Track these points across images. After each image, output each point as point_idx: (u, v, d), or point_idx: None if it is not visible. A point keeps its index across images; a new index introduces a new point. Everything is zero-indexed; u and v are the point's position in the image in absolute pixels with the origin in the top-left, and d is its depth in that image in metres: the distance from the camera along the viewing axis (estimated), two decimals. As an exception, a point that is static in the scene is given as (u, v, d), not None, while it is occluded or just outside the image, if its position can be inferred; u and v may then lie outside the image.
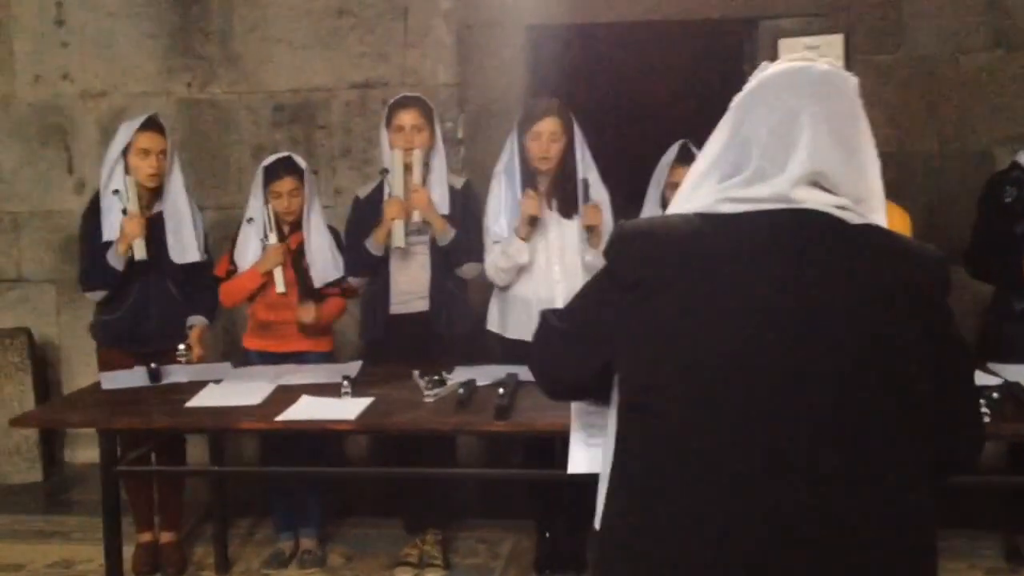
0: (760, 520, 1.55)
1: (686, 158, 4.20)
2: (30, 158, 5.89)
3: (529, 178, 4.22)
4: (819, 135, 1.66)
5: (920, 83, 5.42)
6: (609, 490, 1.74)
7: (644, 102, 6.72)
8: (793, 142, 1.66)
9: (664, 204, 4.23)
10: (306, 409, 3.56)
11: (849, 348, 1.58)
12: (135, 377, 4.03)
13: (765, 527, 1.55)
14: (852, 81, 1.75)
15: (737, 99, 1.79)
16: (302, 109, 5.70)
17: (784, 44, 5.45)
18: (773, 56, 5.40)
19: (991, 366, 3.91)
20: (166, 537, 4.54)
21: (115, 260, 4.24)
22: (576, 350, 1.81)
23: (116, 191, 4.28)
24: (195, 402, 3.68)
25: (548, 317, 1.89)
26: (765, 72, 1.77)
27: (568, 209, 4.25)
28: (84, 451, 5.67)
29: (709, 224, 1.67)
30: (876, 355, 1.59)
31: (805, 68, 1.73)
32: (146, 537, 4.52)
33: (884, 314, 1.60)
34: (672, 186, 4.20)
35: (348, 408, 3.52)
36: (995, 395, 3.29)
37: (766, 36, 5.46)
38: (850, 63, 5.37)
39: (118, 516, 3.70)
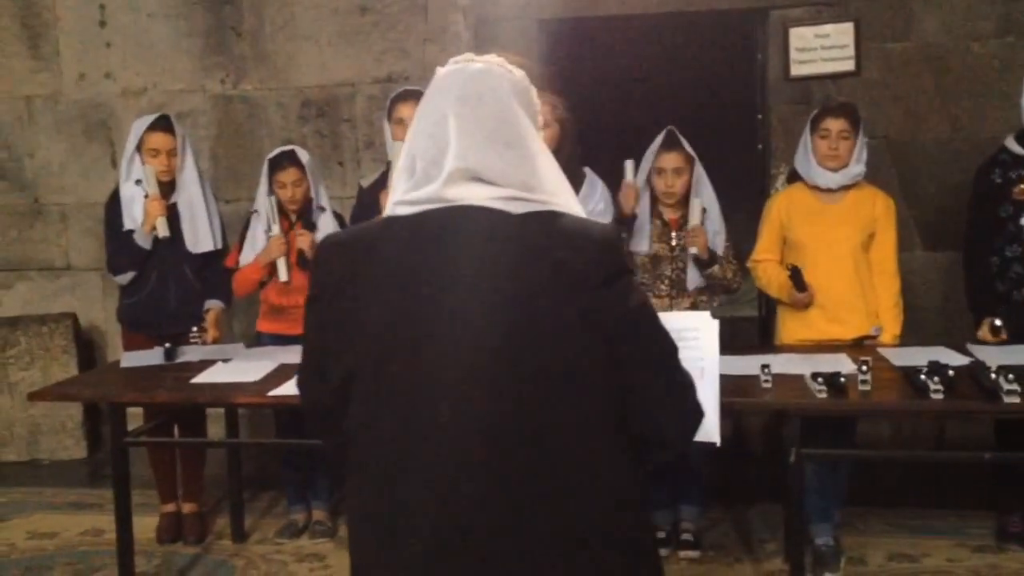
0: (434, 517, 1.66)
1: (671, 144, 4.32)
2: (76, 152, 6.21)
3: None
4: (467, 134, 1.74)
5: (930, 71, 5.48)
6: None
7: (656, 94, 6.84)
8: (445, 143, 1.74)
9: (651, 189, 4.37)
10: (299, 385, 3.77)
11: (499, 339, 1.66)
12: (151, 356, 4.29)
13: (440, 523, 1.66)
14: (510, 77, 1.82)
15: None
16: (328, 104, 5.94)
17: (794, 33, 5.54)
18: (784, 45, 5.55)
19: (970, 346, 4.01)
20: (188, 508, 4.81)
21: (142, 239, 4.52)
22: (311, 375, 1.86)
23: (138, 181, 4.56)
24: (199, 379, 3.93)
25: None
26: (433, 79, 1.86)
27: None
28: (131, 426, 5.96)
29: (387, 226, 1.78)
30: (529, 343, 1.66)
31: (457, 71, 1.82)
32: (169, 508, 4.80)
33: (536, 300, 1.66)
34: (658, 171, 4.32)
35: (338, 385, 3.73)
36: (951, 372, 3.39)
37: (776, 25, 5.56)
38: (860, 51, 5.47)
39: (128, 486, 3.96)
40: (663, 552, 4.36)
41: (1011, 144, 4.39)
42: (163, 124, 4.62)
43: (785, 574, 4.00)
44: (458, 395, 1.67)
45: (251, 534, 4.77)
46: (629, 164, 4.33)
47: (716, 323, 2.54)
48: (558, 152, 4.31)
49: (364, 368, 1.73)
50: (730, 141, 6.01)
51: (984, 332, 4.14)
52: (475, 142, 1.74)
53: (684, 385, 1.80)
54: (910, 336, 4.67)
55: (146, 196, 4.53)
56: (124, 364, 4.28)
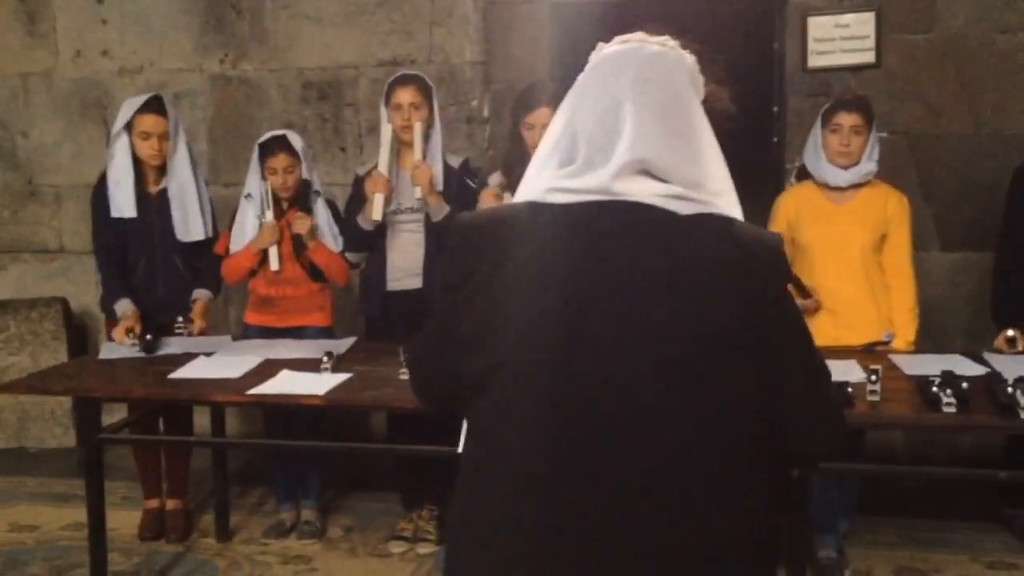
0: (562, 519, 1.53)
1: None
2: (71, 132, 6.05)
3: (523, 160, 4.19)
4: (643, 123, 1.61)
5: (955, 63, 5.25)
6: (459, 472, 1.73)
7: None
8: (617, 131, 1.61)
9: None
10: (280, 384, 3.61)
11: (662, 341, 1.54)
12: (132, 348, 4.13)
13: (570, 526, 1.53)
14: (684, 63, 1.70)
15: (577, 82, 1.74)
16: (330, 86, 5.76)
17: (813, 23, 5.34)
18: (802, 35, 5.34)
19: (986, 355, 3.82)
20: (172, 504, 4.66)
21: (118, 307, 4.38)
22: (438, 359, 1.76)
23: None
24: (178, 374, 3.76)
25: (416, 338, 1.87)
26: (596, 57, 1.73)
27: None
28: (116, 418, 5.82)
29: (537, 213, 1.64)
30: (688, 354, 1.54)
31: (632, 51, 1.69)
32: (153, 504, 4.66)
33: (702, 305, 1.55)
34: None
35: (321, 383, 3.56)
36: (964, 385, 3.20)
37: (794, 14, 5.35)
38: (881, 42, 5.26)
39: (101, 485, 3.80)
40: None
41: None
42: (155, 106, 4.43)
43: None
44: (608, 404, 1.54)
45: (237, 533, 4.62)
46: None
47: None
48: None
49: (507, 365, 1.59)
50: (744, 134, 5.79)
51: (1000, 342, 3.94)
52: (650, 133, 1.61)
53: (835, 404, 1.74)
54: (929, 341, 4.49)
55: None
56: (103, 356, 4.13)
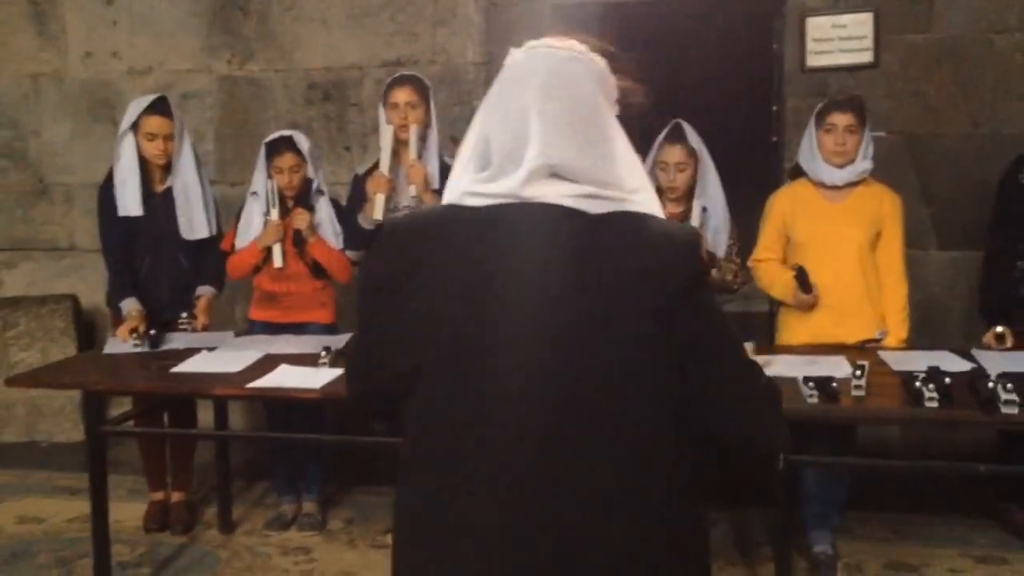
0: (497, 520, 1.60)
1: (675, 138, 4.20)
2: (81, 132, 6.15)
3: None
4: (550, 128, 1.65)
5: (952, 63, 5.29)
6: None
7: (669, 82, 6.66)
8: (526, 137, 1.65)
9: (657, 182, 4.24)
10: (278, 377, 3.69)
11: (570, 344, 1.59)
12: (135, 346, 4.21)
13: (503, 525, 1.59)
14: (593, 66, 1.72)
15: (490, 89, 1.78)
16: (335, 87, 5.84)
17: (811, 23, 5.38)
18: (801, 35, 5.39)
19: (974, 352, 3.86)
20: (176, 497, 4.75)
21: (124, 304, 4.46)
22: (369, 364, 1.82)
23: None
24: (180, 368, 3.85)
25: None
26: (506, 61, 1.77)
27: None
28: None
29: (454, 216, 1.70)
30: (600, 348, 1.59)
31: (538, 57, 1.72)
32: (158, 496, 4.74)
33: (609, 305, 1.59)
34: (661, 164, 4.21)
35: (319, 377, 3.64)
36: (947, 380, 3.25)
37: (793, 15, 5.40)
38: (879, 43, 5.30)
39: (104, 477, 3.88)
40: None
41: None
42: (160, 107, 4.51)
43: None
44: (524, 399, 1.60)
45: (239, 525, 4.70)
46: None
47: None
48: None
49: (430, 364, 1.66)
50: (744, 133, 5.86)
51: (988, 338, 3.99)
52: (557, 138, 1.65)
53: (763, 396, 1.74)
54: (926, 338, 4.55)
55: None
56: (107, 350, 4.22)
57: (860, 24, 5.34)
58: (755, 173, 5.51)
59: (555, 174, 1.65)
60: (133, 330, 4.26)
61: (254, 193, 4.52)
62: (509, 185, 1.65)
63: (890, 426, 5.19)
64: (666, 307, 1.61)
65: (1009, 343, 3.92)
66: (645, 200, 1.69)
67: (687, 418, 1.66)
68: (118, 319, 4.57)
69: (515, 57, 1.75)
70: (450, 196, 1.73)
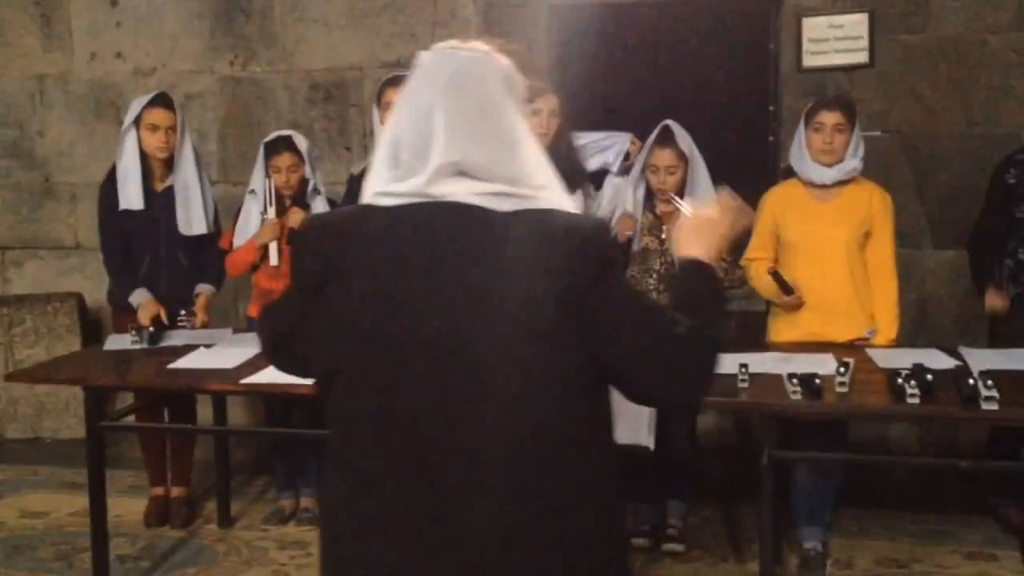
0: (415, 513, 1.66)
1: (665, 141, 4.22)
2: (86, 132, 6.23)
3: None
4: (455, 127, 1.69)
5: (947, 63, 5.33)
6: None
7: (667, 82, 6.73)
8: (431, 137, 1.70)
9: (647, 184, 4.29)
10: (272, 373, 3.73)
11: (484, 341, 1.63)
12: (134, 343, 4.27)
13: (422, 518, 1.65)
14: (497, 66, 1.77)
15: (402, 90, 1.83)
16: (336, 87, 5.90)
17: (808, 23, 5.42)
18: (797, 35, 5.43)
19: (962, 349, 3.90)
20: (176, 492, 4.81)
21: (134, 297, 4.54)
22: (291, 358, 1.90)
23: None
24: (177, 364, 3.91)
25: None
26: (415, 63, 1.81)
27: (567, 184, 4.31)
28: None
29: (367, 216, 1.75)
30: (515, 343, 1.63)
31: (444, 58, 1.76)
32: (158, 491, 4.81)
33: (522, 300, 1.64)
34: (651, 167, 4.24)
35: (312, 373, 3.69)
36: (928, 377, 3.28)
37: (789, 15, 5.43)
38: (875, 43, 5.34)
39: (102, 467, 3.95)
40: (646, 543, 4.31)
41: None
42: (163, 101, 4.61)
43: None
44: (438, 397, 1.65)
45: (238, 520, 4.77)
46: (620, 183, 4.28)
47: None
48: (557, 144, 4.27)
49: (348, 364, 1.71)
50: (741, 133, 5.90)
51: (991, 298, 4.03)
52: (462, 136, 1.70)
53: (683, 353, 1.72)
54: (922, 337, 4.59)
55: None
56: (107, 347, 4.29)
57: (856, 24, 5.38)
58: (752, 173, 5.53)
59: (463, 172, 1.69)
60: (155, 317, 4.31)
61: (252, 192, 4.58)
62: (417, 183, 1.70)
63: (892, 426, 5.24)
64: (575, 298, 1.64)
65: (1009, 292, 4.08)
66: (553, 196, 1.74)
67: (601, 408, 1.72)
68: (119, 316, 4.64)
69: (423, 59, 1.79)
70: (364, 197, 1.78)
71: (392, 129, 1.77)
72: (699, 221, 1.97)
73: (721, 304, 1.93)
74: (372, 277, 1.69)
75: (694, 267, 1.91)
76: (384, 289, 1.68)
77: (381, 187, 1.75)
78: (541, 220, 1.69)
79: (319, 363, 1.76)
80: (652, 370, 1.71)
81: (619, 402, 2.07)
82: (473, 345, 1.64)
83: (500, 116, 1.74)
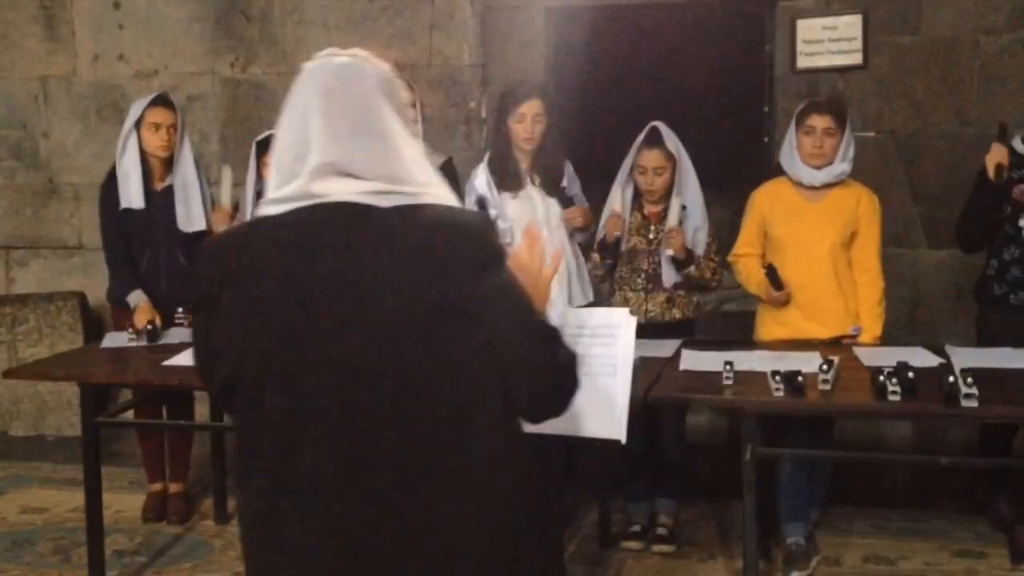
0: (319, 517, 1.71)
1: (653, 142, 4.26)
2: (89, 133, 6.30)
3: (509, 156, 4.35)
4: (330, 129, 1.74)
5: (940, 64, 5.38)
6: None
7: (662, 84, 6.77)
8: (308, 140, 1.74)
9: (634, 183, 4.34)
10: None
11: (374, 338, 1.68)
12: (131, 341, 4.33)
13: (326, 521, 1.71)
14: (371, 70, 1.82)
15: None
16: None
17: (802, 25, 5.46)
18: (792, 37, 5.46)
19: (947, 348, 3.93)
20: (174, 488, 4.88)
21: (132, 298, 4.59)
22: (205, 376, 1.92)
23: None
24: (172, 361, 3.96)
25: None
26: (300, 73, 1.86)
27: (550, 186, 4.37)
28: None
29: (255, 227, 1.81)
30: (405, 339, 1.67)
31: (320, 65, 1.82)
32: (156, 487, 4.87)
33: (408, 295, 1.68)
34: (639, 168, 4.28)
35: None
36: (910, 374, 3.32)
37: (784, 17, 5.48)
38: (868, 44, 5.38)
39: (98, 462, 4.01)
40: (637, 545, 4.35)
41: (1016, 143, 4.30)
42: (164, 101, 4.71)
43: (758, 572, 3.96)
44: (335, 397, 1.69)
45: (235, 515, 4.80)
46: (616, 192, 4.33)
47: (634, 320, 2.54)
48: (543, 144, 4.32)
49: (247, 374, 1.75)
50: (736, 133, 5.94)
51: (995, 152, 4.07)
52: (338, 137, 1.74)
53: (557, 365, 1.79)
54: (916, 336, 4.62)
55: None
56: (105, 344, 4.35)
57: (849, 26, 5.42)
58: (747, 173, 5.58)
59: (342, 172, 1.73)
60: (150, 321, 4.38)
61: (244, 189, 4.65)
62: (298, 185, 1.74)
63: (886, 425, 5.27)
64: (459, 291, 1.69)
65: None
66: (438, 193, 1.79)
67: (496, 395, 1.74)
68: (119, 314, 4.70)
69: (304, 68, 1.84)
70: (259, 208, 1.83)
71: (277, 139, 1.83)
72: (523, 276, 1.96)
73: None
74: (260, 284, 1.73)
75: None
76: (271, 294, 1.72)
77: (267, 196, 1.79)
78: (423, 215, 1.72)
79: (220, 375, 1.80)
80: (528, 367, 1.76)
81: (587, 395, 2.12)
82: (359, 340, 1.68)
83: (375, 117, 1.77)
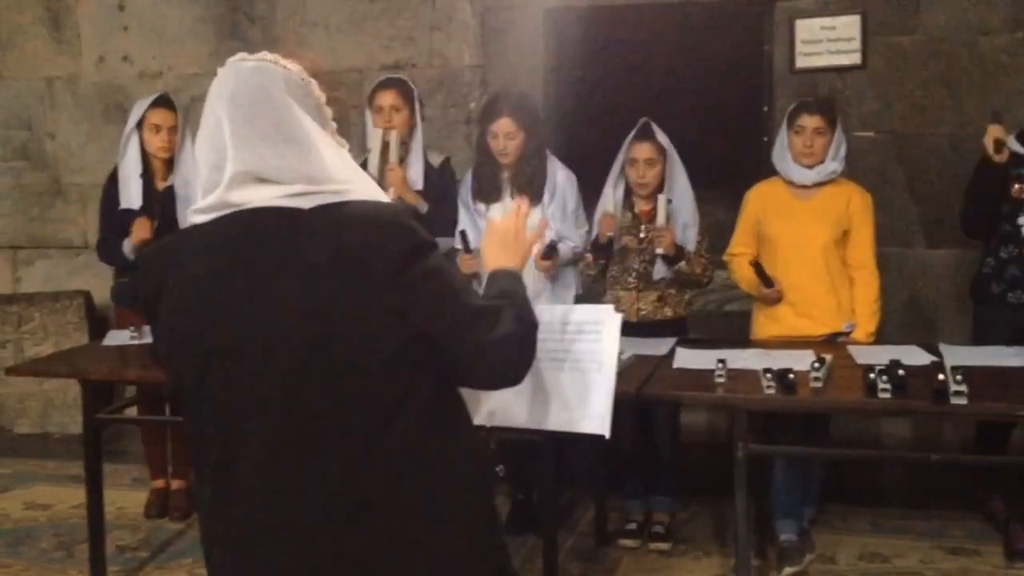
0: (265, 520, 1.75)
1: (644, 135, 4.30)
2: (94, 134, 6.36)
3: (489, 167, 4.44)
4: (242, 136, 1.74)
5: (939, 64, 5.38)
6: None
7: (663, 82, 6.80)
8: (224, 148, 1.75)
9: (625, 180, 4.37)
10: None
11: (304, 339, 1.70)
12: (132, 339, 4.38)
13: (271, 526, 1.75)
14: (283, 73, 1.82)
15: None
16: (336, 90, 5.99)
17: (800, 25, 5.48)
18: (790, 37, 5.48)
19: (942, 347, 3.94)
20: (176, 484, 4.93)
21: (129, 250, 4.61)
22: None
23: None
24: (171, 359, 4.01)
25: None
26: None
27: (531, 197, 4.38)
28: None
29: (184, 237, 1.85)
30: (336, 337, 1.69)
31: (229, 72, 1.82)
32: (159, 483, 4.93)
33: (334, 293, 1.69)
34: (630, 162, 4.32)
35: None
36: (900, 372, 3.34)
37: (782, 17, 5.49)
38: (867, 44, 5.39)
39: (99, 458, 4.07)
40: (633, 543, 4.38)
41: (1012, 143, 4.32)
42: (165, 102, 4.75)
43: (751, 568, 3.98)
44: (270, 400, 1.72)
45: (236, 512, 4.86)
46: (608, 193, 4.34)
47: (619, 317, 2.56)
48: (523, 157, 4.35)
49: (185, 381, 1.79)
50: (735, 133, 5.95)
51: (991, 131, 4.10)
52: (251, 143, 1.74)
53: (499, 339, 1.81)
54: (914, 335, 4.63)
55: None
56: (107, 342, 4.40)
57: (848, 26, 5.43)
58: (746, 172, 5.60)
59: (260, 178, 1.74)
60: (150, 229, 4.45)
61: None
62: (218, 195, 1.76)
63: (884, 423, 5.29)
64: (385, 285, 1.71)
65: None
66: (364, 188, 1.80)
67: (432, 394, 1.78)
68: (121, 312, 4.75)
69: (217, 75, 1.84)
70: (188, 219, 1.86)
71: (196, 148, 1.85)
72: (502, 233, 2.04)
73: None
74: (188, 294, 1.76)
75: (503, 272, 1.99)
76: (199, 302, 1.75)
77: (194, 206, 1.82)
78: (344, 212, 1.74)
79: (168, 380, 1.84)
80: (471, 350, 1.79)
81: (563, 387, 2.15)
82: (284, 341, 1.70)
83: (287, 121, 1.77)
